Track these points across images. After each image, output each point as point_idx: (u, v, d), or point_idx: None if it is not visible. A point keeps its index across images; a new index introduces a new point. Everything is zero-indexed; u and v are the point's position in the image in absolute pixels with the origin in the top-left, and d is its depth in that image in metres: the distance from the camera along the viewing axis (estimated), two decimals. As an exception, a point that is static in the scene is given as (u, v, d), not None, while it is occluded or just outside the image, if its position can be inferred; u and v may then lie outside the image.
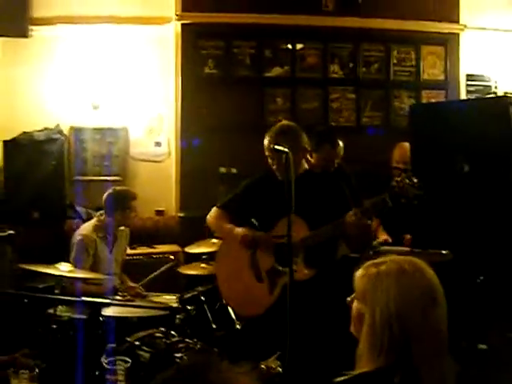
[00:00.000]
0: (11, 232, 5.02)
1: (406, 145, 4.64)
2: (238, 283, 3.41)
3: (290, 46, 6.15)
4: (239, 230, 3.36)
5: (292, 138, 3.20)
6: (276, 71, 6.13)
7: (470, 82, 6.46)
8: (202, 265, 4.42)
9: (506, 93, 6.09)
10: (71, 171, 5.79)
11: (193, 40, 5.95)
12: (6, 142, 5.46)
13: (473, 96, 6.38)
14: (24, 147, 5.45)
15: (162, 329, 3.37)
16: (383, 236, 4.33)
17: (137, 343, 3.15)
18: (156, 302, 4.00)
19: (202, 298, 3.98)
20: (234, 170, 5.79)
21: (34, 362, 2.79)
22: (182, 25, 5.91)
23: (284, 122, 3.53)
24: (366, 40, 6.26)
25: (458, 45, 6.37)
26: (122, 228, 4.41)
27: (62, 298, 3.39)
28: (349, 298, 1.71)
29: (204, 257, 4.44)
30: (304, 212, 3.04)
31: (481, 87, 6.45)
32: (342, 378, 1.58)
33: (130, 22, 5.88)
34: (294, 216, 2.71)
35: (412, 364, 1.52)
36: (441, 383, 1.56)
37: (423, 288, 1.58)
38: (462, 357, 3.42)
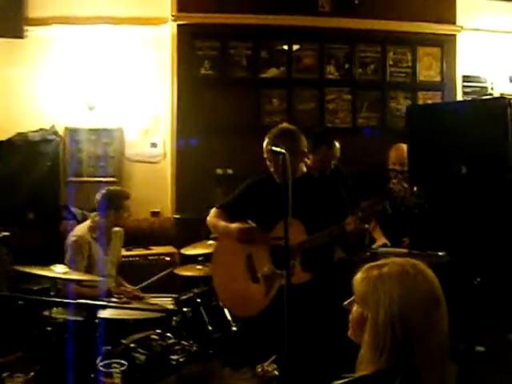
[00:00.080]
0: (6, 233, 4.99)
1: (403, 146, 4.64)
2: (234, 284, 3.40)
3: (286, 47, 6.14)
4: (235, 225, 3.36)
5: (290, 141, 3.19)
6: (272, 72, 6.12)
7: (466, 84, 6.48)
8: (198, 266, 4.42)
9: (502, 94, 6.10)
10: (66, 172, 5.76)
11: (189, 41, 5.93)
12: (0, 143, 5.43)
13: (469, 97, 6.40)
14: (19, 148, 5.43)
15: (158, 331, 3.36)
16: (380, 237, 4.33)
17: (132, 345, 3.15)
18: (152, 304, 3.99)
19: (198, 299, 3.97)
20: (230, 171, 5.79)
21: (28, 364, 2.77)
22: (178, 25, 5.89)
23: (284, 124, 3.51)
24: (363, 41, 6.27)
25: (455, 46, 6.39)
26: (117, 229, 4.38)
27: (58, 300, 3.37)
28: (346, 303, 1.71)
29: (200, 258, 4.43)
30: (302, 215, 3.03)
31: (477, 88, 6.47)
32: (342, 381, 1.57)
33: (126, 22, 5.86)
34: (292, 219, 2.69)
35: (414, 365, 1.53)
36: (441, 384, 1.57)
37: (426, 289, 1.58)
38: (460, 359, 3.42)
